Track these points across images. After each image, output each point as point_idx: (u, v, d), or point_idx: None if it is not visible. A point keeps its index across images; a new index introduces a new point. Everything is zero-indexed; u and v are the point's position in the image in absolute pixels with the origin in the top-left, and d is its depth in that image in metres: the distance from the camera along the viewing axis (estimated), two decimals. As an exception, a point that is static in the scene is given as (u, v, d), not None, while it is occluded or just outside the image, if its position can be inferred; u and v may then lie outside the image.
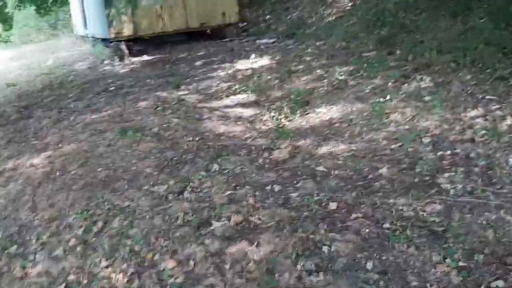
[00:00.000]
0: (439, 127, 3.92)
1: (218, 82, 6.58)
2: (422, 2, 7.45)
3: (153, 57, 9.38)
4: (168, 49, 9.76)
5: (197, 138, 4.45)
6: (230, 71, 7.01)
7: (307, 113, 4.76)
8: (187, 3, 9.87)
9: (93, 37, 11.29)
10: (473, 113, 4.16)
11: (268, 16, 10.61)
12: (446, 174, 3.20)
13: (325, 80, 5.63)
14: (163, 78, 7.41)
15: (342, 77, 5.57)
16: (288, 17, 10.00)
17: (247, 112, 5.12)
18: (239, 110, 5.24)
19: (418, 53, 5.78)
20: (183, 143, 4.34)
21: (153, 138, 4.50)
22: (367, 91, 5.08)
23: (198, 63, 8.14)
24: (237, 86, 6.19)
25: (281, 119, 4.69)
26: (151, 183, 3.60)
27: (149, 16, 9.70)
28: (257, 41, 9.06)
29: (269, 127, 4.53)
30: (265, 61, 7.14)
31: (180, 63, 8.43)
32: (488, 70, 4.90)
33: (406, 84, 5.05)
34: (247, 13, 10.90)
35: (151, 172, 3.80)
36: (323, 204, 2.98)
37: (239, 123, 4.82)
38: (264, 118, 4.77)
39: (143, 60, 9.23)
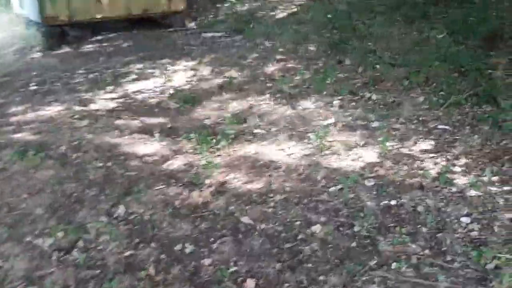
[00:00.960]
0: (385, 165, 3.39)
1: (151, 85, 5.82)
2: (377, 3, 6.91)
3: (89, 46, 8.43)
4: (106, 38, 8.81)
5: (109, 163, 3.73)
6: (167, 72, 6.25)
7: (243, 136, 4.12)
8: (129, -14, 8.93)
9: (27, 18, 10.15)
10: (423, 146, 3.66)
11: (218, 5, 9.81)
12: (389, 236, 2.66)
13: (268, 93, 5.00)
14: (93, 74, 6.57)
15: (287, 90, 4.96)
16: (239, 9, 9.26)
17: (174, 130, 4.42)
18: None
19: (370, 64, 5.24)
20: (90, 170, 3.61)
21: (57, 162, 3.75)
22: (312, 108, 4.50)
23: (134, 57, 7.30)
24: (171, 92, 5.46)
25: (211, 142, 4.03)
26: (36, 232, 2.89)
27: (87, 1, 8.71)
28: (203, 34, 8.28)
29: (197, 152, 3.86)
30: (205, 62, 6.41)
31: (116, 55, 7.55)
32: (442, 92, 4.44)
33: (353, 103, 4.51)
34: (195, 1, 10.05)
35: (42, 214, 3.07)
36: (239, 280, 2.38)
37: (163, 143, 4.12)
38: (192, 139, 4.09)
39: (77, 49, 8.28)
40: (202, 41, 7.94)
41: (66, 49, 8.41)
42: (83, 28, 9.05)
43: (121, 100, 5.41)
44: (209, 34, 8.22)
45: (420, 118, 4.04)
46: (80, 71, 6.76)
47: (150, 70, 6.49)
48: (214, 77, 5.78)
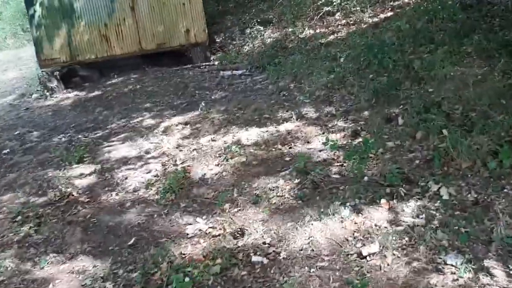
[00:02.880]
0: None
1: (135, 152, 4.39)
2: (436, 29, 5.15)
3: (91, 90, 7.19)
4: (112, 81, 7.55)
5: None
6: (161, 133, 4.81)
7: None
8: (139, 19, 7.64)
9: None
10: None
11: (247, 31, 8.30)
12: None
13: (282, 177, 3.40)
14: (79, 134, 5.26)
15: (308, 171, 3.34)
16: (267, 36, 7.72)
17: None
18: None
19: (433, 126, 3.52)
20: None
21: None
22: (343, 214, 2.84)
23: (134, 106, 5.94)
24: (159, 169, 4.00)
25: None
26: None
27: (91, 37, 7.50)
28: (221, 73, 6.82)
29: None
30: (212, 118, 4.90)
31: (116, 104, 6.24)
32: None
33: (409, 205, 2.82)
34: (216, 30, 8.63)
35: None
36: None
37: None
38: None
39: (77, 95, 7.07)
40: (219, 81, 6.47)
41: (67, 94, 7.24)
42: (91, 66, 7.89)
43: (91, 180, 4.00)
44: (228, 72, 6.74)
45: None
46: (66, 128, 5.50)
47: (145, 125, 5.10)
48: (216, 142, 4.26)
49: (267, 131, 4.29)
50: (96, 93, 6.98)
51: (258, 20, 8.19)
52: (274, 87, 5.56)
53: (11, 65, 11.53)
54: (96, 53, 7.56)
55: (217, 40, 8.54)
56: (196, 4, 7.76)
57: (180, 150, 4.28)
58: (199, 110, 5.23)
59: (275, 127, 4.34)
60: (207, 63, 7.69)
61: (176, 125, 4.93)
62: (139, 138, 4.76)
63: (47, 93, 7.19)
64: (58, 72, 7.36)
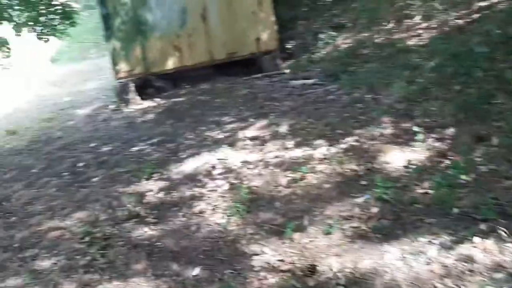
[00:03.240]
0: None
1: (204, 173, 4.25)
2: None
3: (162, 102, 7.24)
4: (183, 91, 7.55)
5: None
6: (228, 147, 4.66)
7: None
8: (210, 29, 7.59)
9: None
10: None
11: (320, 35, 7.97)
12: None
13: (365, 213, 3.09)
14: (150, 147, 5.27)
15: (391, 201, 3.01)
16: (341, 42, 7.36)
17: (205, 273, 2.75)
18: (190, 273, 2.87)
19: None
20: None
21: None
22: (431, 258, 2.48)
23: (201, 120, 5.86)
24: (225, 188, 3.84)
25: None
26: None
27: (164, 48, 7.57)
28: (292, 82, 6.57)
29: None
30: (281, 133, 4.67)
31: (186, 116, 6.19)
32: None
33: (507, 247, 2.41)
34: (287, 37, 8.37)
35: None
36: None
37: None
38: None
39: (149, 107, 7.14)
40: (289, 92, 6.23)
41: (141, 105, 7.35)
42: (163, 78, 7.98)
43: (157, 194, 3.93)
44: (299, 82, 6.48)
45: None
46: (139, 140, 5.53)
47: (212, 139, 4.98)
48: (284, 159, 4.03)
49: (340, 148, 3.99)
50: (168, 104, 7.01)
51: (331, 25, 7.85)
52: (348, 99, 5.22)
53: (92, 75, 12.06)
54: (169, 64, 7.61)
55: (288, 47, 8.29)
56: (267, 11, 7.58)
57: (248, 168, 4.08)
58: (268, 123, 5.02)
59: (350, 144, 4.03)
60: (277, 72, 7.47)
61: (244, 140, 4.76)
62: (206, 153, 4.63)
63: (123, 104, 7.34)
64: (133, 84, 7.49)
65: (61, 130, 7.02)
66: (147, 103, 7.37)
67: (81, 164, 5.19)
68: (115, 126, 6.53)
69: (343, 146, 4.00)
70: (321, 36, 7.79)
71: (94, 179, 4.63)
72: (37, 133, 7.32)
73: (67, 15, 8.17)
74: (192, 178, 4.19)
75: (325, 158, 3.85)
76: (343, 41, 7.27)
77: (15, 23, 7.79)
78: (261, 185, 3.72)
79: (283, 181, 3.66)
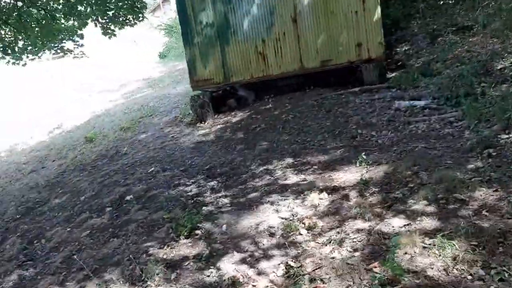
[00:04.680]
0: None
1: (256, 239, 3.08)
2: None
3: (237, 119, 6.20)
4: (265, 105, 6.42)
5: None
6: (296, 198, 3.43)
7: None
8: (301, 32, 6.37)
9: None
10: None
11: (426, 48, 6.36)
12: None
13: None
14: (209, 181, 4.26)
15: None
16: (459, 52, 5.65)
17: None
18: None
19: None
20: None
21: None
22: None
23: (275, 148, 4.68)
24: (279, 273, 2.64)
25: None
26: None
27: (247, 55, 6.53)
28: (396, 102, 5.08)
29: None
30: (373, 182, 3.32)
31: (260, 140, 5.08)
32: None
33: None
34: (396, 40, 6.80)
35: None
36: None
37: None
38: None
39: (223, 125, 6.15)
40: (392, 116, 4.79)
41: (216, 120, 6.41)
42: (245, 89, 6.97)
43: (188, 273, 2.85)
44: (406, 103, 4.98)
45: None
46: (193, 178, 4.53)
47: (281, 182, 3.79)
48: (371, 236, 2.69)
49: (458, 227, 2.55)
50: (244, 122, 5.96)
51: (453, 28, 6.16)
52: (473, 137, 3.68)
53: (186, 76, 11.57)
54: (251, 73, 6.57)
55: (397, 51, 6.76)
56: (371, 10, 6.14)
57: (316, 242, 2.83)
58: (356, 166, 3.69)
59: (474, 222, 2.57)
60: (380, 85, 6.01)
61: (319, 190, 3.48)
62: (268, 205, 3.47)
63: (197, 119, 6.47)
64: (209, 95, 6.58)
65: (130, 144, 6.37)
66: (222, 119, 6.41)
67: (128, 198, 4.37)
68: (182, 148, 5.63)
69: (463, 224, 2.56)
70: (440, 40, 6.15)
71: (131, 226, 3.73)
72: (109, 145, 6.79)
73: (135, 8, 7.45)
74: (239, 245, 3.06)
75: (434, 244, 2.46)
76: (469, 49, 5.56)
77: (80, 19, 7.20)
78: (327, 279, 2.45)
79: (365, 279, 2.35)
